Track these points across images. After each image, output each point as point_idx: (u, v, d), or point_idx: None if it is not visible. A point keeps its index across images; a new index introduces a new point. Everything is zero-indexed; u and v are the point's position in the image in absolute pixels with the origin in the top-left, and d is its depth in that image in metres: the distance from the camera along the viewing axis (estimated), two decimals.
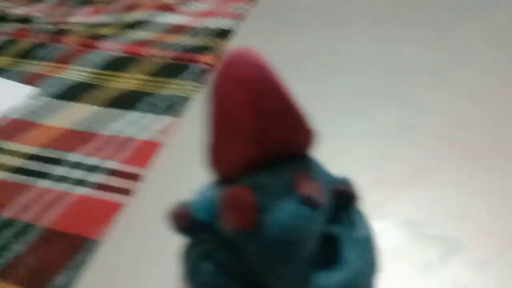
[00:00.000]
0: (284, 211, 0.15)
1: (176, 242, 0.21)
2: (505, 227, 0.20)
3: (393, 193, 0.24)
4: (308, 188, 0.15)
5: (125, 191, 0.27)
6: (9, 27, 0.57)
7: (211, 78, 0.15)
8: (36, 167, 0.30)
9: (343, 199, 0.18)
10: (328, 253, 0.17)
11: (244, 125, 0.15)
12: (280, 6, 0.58)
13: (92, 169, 0.29)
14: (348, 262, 0.16)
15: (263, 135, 0.15)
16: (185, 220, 0.17)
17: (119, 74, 0.42)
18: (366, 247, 0.18)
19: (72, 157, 0.30)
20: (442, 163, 0.26)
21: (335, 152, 0.27)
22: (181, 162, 0.28)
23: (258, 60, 0.14)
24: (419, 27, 0.45)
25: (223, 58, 0.14)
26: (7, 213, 0.26)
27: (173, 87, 0.39)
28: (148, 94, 0.38)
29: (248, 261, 0.16)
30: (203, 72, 0.41)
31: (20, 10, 0.67)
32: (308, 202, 0.15)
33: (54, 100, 0.38)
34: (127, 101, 0.37)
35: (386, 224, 0.22)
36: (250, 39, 0.48)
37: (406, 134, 0.29)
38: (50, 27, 0.56)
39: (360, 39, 0.44)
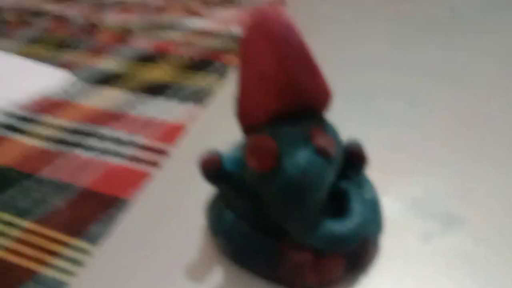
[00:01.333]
0: (300, 158, 0.17)
1: (198, 205, 0.23)
2: (506, 207, 0.22)
3: (399, 176, 0.26)
4: (322, 141, 0.18)
5: (153, 163, 0.30)
6: (45, 22, 0.62)
7: (242, 34, 0.18)
8: (71, 139, 0.33)
9: (353, 160, 0.20)
10: (336, 205, 0.19)
11: (268, 76, 0.17)
12: (305, 17, 0.61)
13: (123, 142, 0.32)
14: (356, 213, 0.18)
15: (284, 87, 0.17)
16: (215, 166, 0.19)
17: (148, 66, 0.45)
18: (372, 206, 0.20)
19: (105, 131, 0.33)
20: (446, 151, 0.28)
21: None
22: (203, 143, 0.31)
23: (285, 19, 0.16)
24: (428, 32, 0.47)
25: (253, 14, 0.17)
26: (46, 173, 0.29)
27: (198, 80, 0.42)
28: (175, 84, 0.41)
29: (265, 208, 0.18)
30: (225, 68, 0.44)
31: (54, 7, 0.71)
32: (321, 152, 0.17)
33: (88, 85, 0.41)
34: (155, 89, 0.40)
35: (390, 200, 0.24)
36: None
37: (413, 128, 0.31)
38: (84, 22, 0.59)
39: (373, 41, 0.46)
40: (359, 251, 0.18)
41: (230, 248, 0.20)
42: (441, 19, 0.53)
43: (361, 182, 0.20)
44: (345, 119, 0.32)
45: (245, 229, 0.19)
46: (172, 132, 0.33)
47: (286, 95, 0.17)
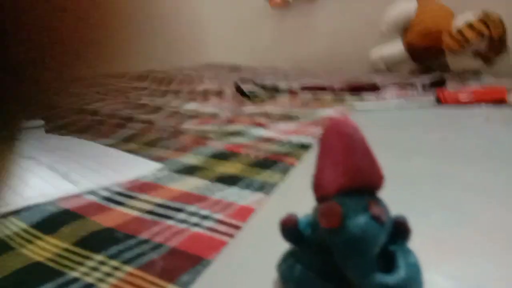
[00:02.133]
0: (360, 220, 0.23)
1: (267, 267, 0.29)
2: None
3: (440, 258, 0.30)
4: (378, 210, 0.24)
5: (229, 235, 0.36)
6: (137, 125, 0.74)
7: (320, 134, 0.25)
8: (163, 212, 0.40)
9: (400, 230, 0.25)
10: (385, 265, 0.24)
11: (338, 162, 0.24)
12: None
13: (206, 217, 0.38)
14: (402, 270, 0.23)
15: (350, 170, 0.24)
16: (292, 224, 0.25)
17: (223, 162, 0.54)
18: (415, 268, 0.24)
19: (191, 208, 0.40)
20: (485, 248, 0.32)
21: None
22: (270, 224, 0.37)
23: (351, 122, 0.24)
24: (474, 161, 0.53)
25: (329, 118, 0.24)
26: (145, 235, 0.36)
27: (264, 175, 0.49)
28: (245, 177, 0.48)
29: (331, 261, 0.24)
30: (288, 168, 0.51)
31: (143, 117, 0.85)
32: (377, 218, 0.23)
33: (174, 174, 0.50)
34: (229, 180, 0.48)
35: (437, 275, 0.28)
36: None
37: (456, 228, 0.35)
38: (169, 128, 0.71)
39: (420, 159, 0.53)
40: None
41: None
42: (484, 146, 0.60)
43: (406, 250, 0.25)
44: None
45: (311, 277, 0.24)
46: (244, 213, 0.39)
47: (350, 176, 0.24)
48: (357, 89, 1.07)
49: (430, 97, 0.89)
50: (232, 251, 0.33)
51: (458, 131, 0.67)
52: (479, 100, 0.85)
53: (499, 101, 0.85)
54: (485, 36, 1.09)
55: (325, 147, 0.25)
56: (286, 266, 0.26)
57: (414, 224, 0.35)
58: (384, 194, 0.41)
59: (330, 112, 0.85)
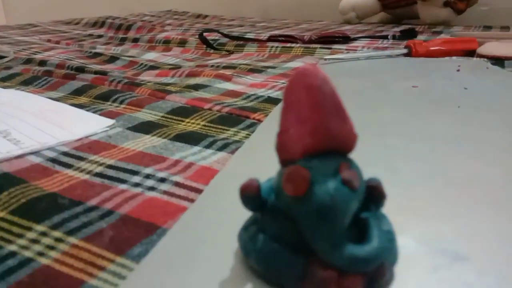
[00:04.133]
0: (330, 186, 0.20)
1: (229, 233, 0.26)
2: (505, 247, 0.24)
3: (413, 219, 0.28)
4: (349, 174, 0.21)
5: (188, 199, 0.33)
6: (88, 76, 0.68)
7: (285, 85, 0.22)
8: (114, 174, 0.36)
9: (373, 195, 0.23)
10: (357, 233, 0.22)
11: (305, 119, 0.21)
12: None
13: (162, 180, 0.35)
14: (375, 240, 0.21)
15: (317, 130, 0.21)
16: (253, 190, 0.22)
17: (183, 119, 0.50)
18: (389, 236, 0.22)
19: (145, 170, 0.37)
20: (455, 202, 0.30)
21: None
22: (234, 187, 0.34)
23: (321, 73, 0.20)
24: (441, 106, 0.52)
25: (295, 69, 0.21)
26: (93, 202, 0.32)
27: (229, 133, 0.46)
28: (207, 135, 0.45)
29: (297, 231, 0.21)
30: (254, 125, 0.48)
31: (96, 67, 0.79)
32: (348, 183, 0.21)
33: (129, 131, 0.46)
34: (189, 138, 0.44)
35: (405, 238, 0.26)
36: None
37: (426, 182, 0.34)
38: (123, 79, 0.66)
39: (389, 110, 0.50)
40: (377, 274, 0.21)
41: (261, 266, 0.22)
42: (452, 96, 0.58)
43: (380, 216, 0.23)
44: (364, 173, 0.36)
45: (276, 249, 0.22)
46: (206, 174, 0.36)
47: (319, 136, 0.21)
48: (327, 39, 1.03)
49: (401, 48, 0.86)
50: (191, 218, 0.30)
51: (428, 81, 0.65)
52: (450, 50, 0.83)
53: (470, 52, 0.83)
54: None
55: (290, 102, 0.21)
56: (248, 236, 0.23)
57: (384, 180, 0.33)
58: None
59: (299, 63, 0.81)
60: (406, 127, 0.46)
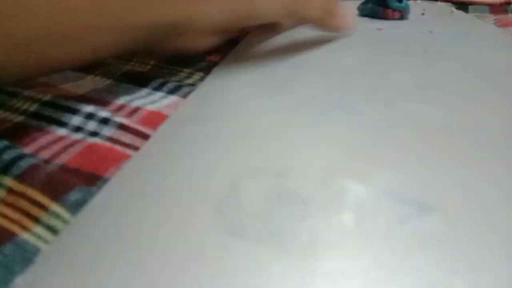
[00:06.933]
0: None
1: (174, 185, 0.24)
2: (474, 196, 0.23)
3: (375, 167, 0.27)
4: None
5: (133, 147, 0.30)
6: None
7: None
8: (52, 114, 0.32)
9: None
10: None
11: None
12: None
13: (105, 123, 0.31)
14: None
15: None
16: None
17: (132, 58, 0.45)
18: None
19: (87, 109, 0.33)
20: (420, 148, 0.29)
21: (321, 136, 0.31)
22: (183, 134, 0.31)
23: None
24: (405, 52, 0.50)
25: None
26: (29, 150, 0.28)
27: (182, 75, 0.42)
28: (158, 77, 0.41)
29: None
30: (209, 66, 0.44)
31: None
32: None
33: (69, 71, 0.41)
34: (138, 79, 0.40)
35: (368, 188, 0.25)
36: (255, 43, 0.52)
37: (389, 128, 0.32)
38: None
39: (349, 55, 0.48)
40: None
41: None
42: (417, 40, 0.56)
43: None
44: (322, 115, 0.33)
45: None
46: (154, 119, 0.33)
47: None
48: None
49: None
50: (135, 167, 0.27)
51: (392, 24, 0.63)
52: None
53: None
54: None
55: None
56: None
57: (345, 125, 0.31)
58: (311, 91, 0.37)
59: None
60: (369, 70, 0.44)
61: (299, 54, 0.48)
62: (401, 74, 0.43)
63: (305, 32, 0.56)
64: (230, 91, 0.38)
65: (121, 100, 0.36)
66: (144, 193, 0.24)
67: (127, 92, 0.37)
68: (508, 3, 0.74)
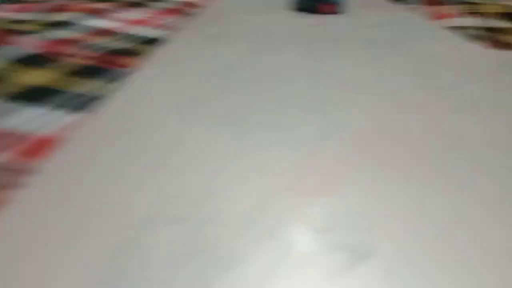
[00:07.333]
0: None
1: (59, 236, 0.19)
2: (415, 236, 0.21)
3: (307, 199, 0.23)
4: None
5: (15, 184, 0.24)
6: None
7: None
8: None
9: None
10: None
11: None
12: (212, 22, 0.58)
13: None
14: None
15: None
16: None
17: (31, 70, 0.39)
18: None
19: None
20: (355, 172, 0.26)
21: (250, 160, 0.27)
22: (82, 162, 0.26)
23: None
24: (344, 47, 0.47)
25: None
26: None
27: (88, 87, 0.37)
28: (59, 91, 0.35)
29: None
30: (124, 73, 0.39)
31: None
32: None
33: None
34: (34, 96, 0.34)
35: (298, 229, 0.21)
36: (178, 48, 0.47)
37: (321, 145, 0.29)
38: None
39: (285, 55, 0.45)
40: None
41: None
42: (352, 33, 0.54)
43: None
44: (251, 132, 0.30)
45: None
46: (40, 146, 0.28)
47: None
48: None
49: None
50: (18, 212, 0.22)
51: (329, 18, 0.60)
52: None
53: None
54: None
55: None
56: None
57: (273, 148, 0.27)
58: (236, 104, 0.33)
59: None
60: (302, 74, 0.41)
61: (229, 58, 0.44)
62: (334, 78, 0.40)
63: (238, 30, 0.52)
64: (142, 108, 0.33)
65: (11, 123, 0.30)
66: (30, 243, 0.20)
67: (20, 111, 0.32)
68: None
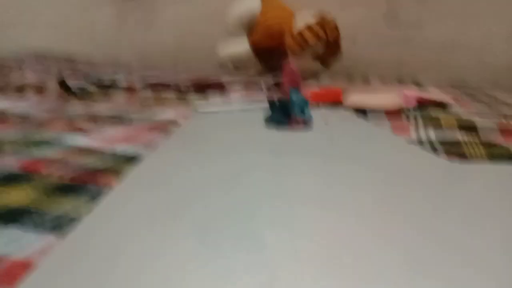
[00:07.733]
0: None
1: None
2: None
3: None
4: None
5: None
6: None
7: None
8: None
9: None
10: None
11: None
12: (191, 139, 0.62)
13: None
14: None
15: None
16: None
17: (10, 188, 0.40)
18: None
19: None
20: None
21: (221, 276, 0.27)
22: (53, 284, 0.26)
23: None
24: (309, 161, 0.50)
25: None
26: None
27: (65, 205, 0.37)
28: (34, 212, 0.36)
29: None
30: (100, 191, 0.40)
31: None
32: None
33: None
34: (7, 217, 0.35)
35: None
36: (156, 165, 0.50)
37: (292, 260, 0.30)
38: None
39: (257, 169, 0.47)
40: None
41: None
42: (320, 148, 0.58)
43: None
44: (218, 247, 0.30)
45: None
46: (14, 271, 0.28)
47: None
48: (202, 87, 1.00)
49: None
50: None
51: (298, 133, 0.64)
52: (317, 101, 0.85)
53: (336, 103, 0.86)
54: (322, 39, 1.13)
55: None
56: None
57: (246, 269, 0.28)
58: (209, 217, 0.33)
59: (171, 114, 0.76)
60: (275, 186, 0.43)
61: (204, 173, 0.47)
62: (304, 188, 0.42)
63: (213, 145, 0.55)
64: (115, 228, 0.33)
65: None
66: None
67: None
68: (403, 110, 0.81)
